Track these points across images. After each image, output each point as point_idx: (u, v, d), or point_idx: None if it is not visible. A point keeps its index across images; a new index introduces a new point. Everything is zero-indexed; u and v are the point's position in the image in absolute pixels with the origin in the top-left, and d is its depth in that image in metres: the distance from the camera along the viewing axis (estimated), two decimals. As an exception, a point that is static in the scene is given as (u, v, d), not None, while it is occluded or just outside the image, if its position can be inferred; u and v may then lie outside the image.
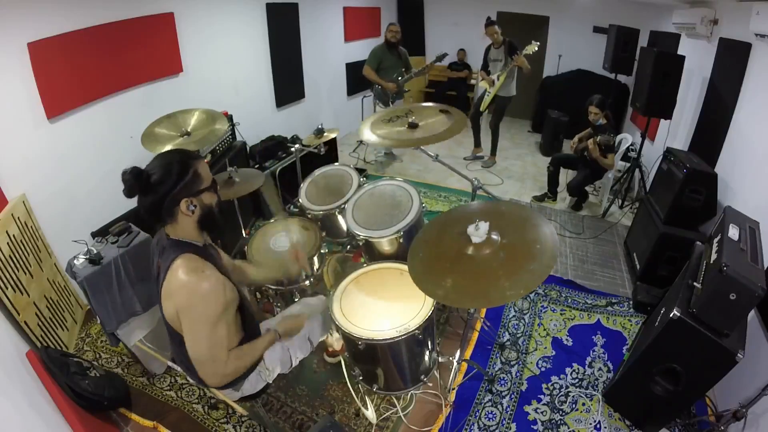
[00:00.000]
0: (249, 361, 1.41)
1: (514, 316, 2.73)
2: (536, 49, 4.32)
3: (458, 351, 2.19)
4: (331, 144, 4.28)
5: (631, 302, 2.82)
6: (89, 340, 2.55)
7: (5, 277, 2.00)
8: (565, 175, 4.20)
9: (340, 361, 2.25)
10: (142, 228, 2.26)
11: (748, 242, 1.79)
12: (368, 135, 2.04)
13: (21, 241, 2.19)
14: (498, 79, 4.57)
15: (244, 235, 3.00)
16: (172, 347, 1.47)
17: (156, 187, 1.18)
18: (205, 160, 3.08)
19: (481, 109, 4.86)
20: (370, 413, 2.01)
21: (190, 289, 1.18)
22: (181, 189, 1.19)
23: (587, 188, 4.08)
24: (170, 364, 1.74)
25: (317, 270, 2.27)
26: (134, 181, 1.15)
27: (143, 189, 1.18)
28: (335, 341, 2.22)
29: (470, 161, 5.26)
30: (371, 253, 2.19)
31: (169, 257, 1.22)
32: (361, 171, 2.55)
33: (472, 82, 7.13)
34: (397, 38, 4.52)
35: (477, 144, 5.24)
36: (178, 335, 1.31)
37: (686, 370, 1.74)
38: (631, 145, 4.18)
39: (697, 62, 3.41)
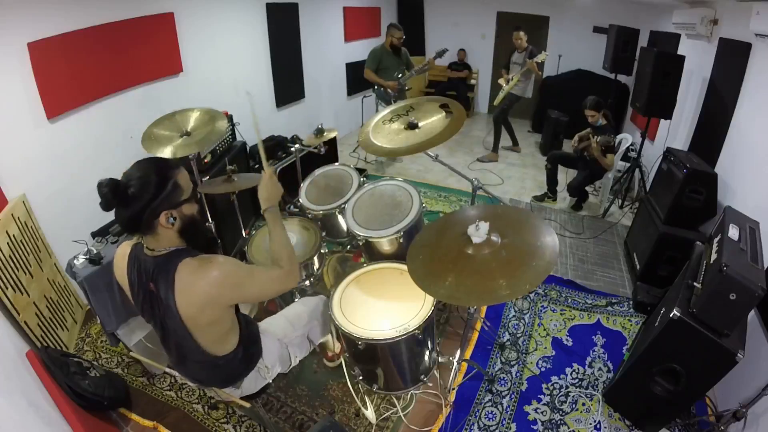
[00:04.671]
0: (289, 253, 1.39)
1: (514, 316, 2.73)
2: (546, 57, 4.73)
3: (458, 351, 2.19)
4: (331, 144, 4.28)
5: (631, 302, 2.82)
6: (89, 340, 2.55)
7: (5, 277, 2.00)
8: (565, 175, 4.20)
9: (340, 365, 2.25)
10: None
11: (748, 242, 1.79)
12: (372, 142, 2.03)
13: (21, 241, 2.19)
14: (512, 78, 4.85)
15: (244, 235, 3.00)
16: (172, 356, 1.45)
17: (134, 200, 1.11)
18: (205, 160, 3.09)
19: (495, 103, 5.15)
20: (370, 413, 2.01)
21: (221, 275, 1.19)
22: (160, 202, 1.14)
23: (587, 188, 4.08)
24: (167, 370, 1.74)
25: (317, 270, 2.27)
26: (111, 195, 1.09)
27: (120, 202, 1.12)
28: (335, 345, 2.22)
29: (509, 150, 5.64)
30: (371, 253, 2.19)
31: (168, 274, 1.17)
32: (361, 171, 2.55)
33: (472, 82, 7.14)
34: (401, 42, 4.55)
35: (515, 143, 5.65)
36: (188, 343, 1.30)
37: (686, 370, 1.74)
38: (631, 145, 4.18)
39: (697, 62, 3.41)
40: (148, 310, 1.29)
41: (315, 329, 1.83)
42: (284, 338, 1.70)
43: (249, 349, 1.50)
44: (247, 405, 1.54)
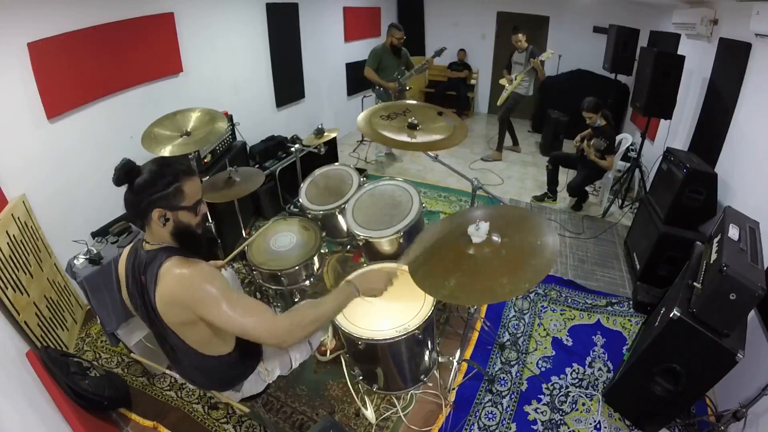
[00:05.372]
0: (313, 315, 1.25)
1: (514, 316, 2.73)
2: (550, 56, 4.66)
3: (458, 351, 2.19)
4: (331, 144, 4.28)
5: (631, 302, 2.82)
6: (89, 340, 2.55)
7: (5, 277, 2.00)
8: (566, 175, 4.20)
9: (332, 359, 2.25)
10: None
11: (748, 242, 1.79)
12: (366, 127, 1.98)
13: (21, 241, 2.19)
14: (515, 78, 4.86)
15: (244, 235, 3.00)
16: (169, 356, 1.45)
17: (138, 188, 1.19)
18: (205, 160, 3.09)
19: (498, 103, 5.17)
20: (370, 413, 2.01)
21: (190, 279, 1.18)
22: (157, 198, 1.19)
23: (587, 188, 4.08)
24: (167, 371, 1.74)
25: (317, 270, 2.27)
26: (123, 175, 1.18)
27: (129, 185, 1.20)
28: (328, 341, 2.22)
29: (510, 150, 5.63)
30: (371, 253, 2.19)
31: (154, 266, 1.20)
32: (361, 171, 2.55)
33: (472, 82, 7.14)
34: (402, 42, 4.55)
35: (515, 143, 5.65)
36: (176, 341, 1.30)
37: (686, 370, 1.74)
38: (631, 145, 4.18)
39: (697, 62, 3.41)
40: (140, 305, 1.29)
41: (316, 334, 1.83)
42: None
43: (247, 351, 1.48)
44: (246, 410, 1.53)
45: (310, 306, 1.30)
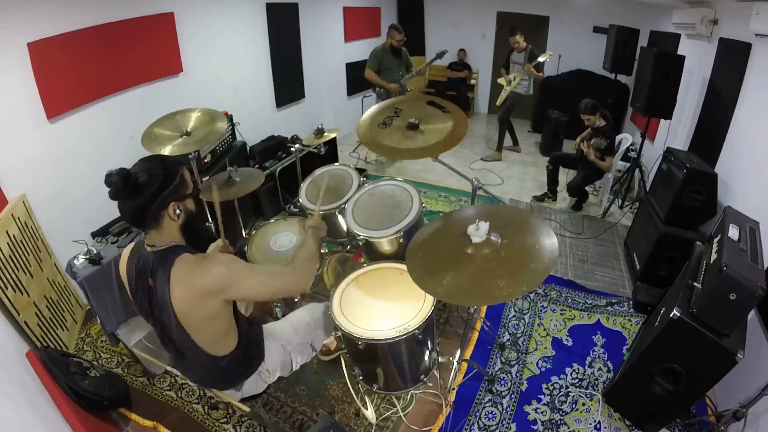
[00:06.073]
0: (309, 263, 1.46)
1: (514, 316, 2.73)
2: (549, 57, 4.66)
3: (458, 351, 2.19)
4: (331, 144, 4.28)
5: (631, 302, 2.82)
6: (89, 340, 2.55)
7: (5, 277, 2.00)
8: (566, 175, 4.20)
9: (335, 359, 2.25)
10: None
11: (748, 242, 1.79)
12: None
13: (21, 241, 2.19)
14: (514, 79, 4.88)
15: (244, 234, 3.00)
16: (172, 354, 1.45)
17: (144, 189, 1.14)
18: (205, 160, 3.10)
19: (497, 103, 5.18)
20: (370, 413, 2.01)
21: (208, 271, 1.19)
22: (170, 192, 1.18)
23: (587, 188, 4.08)
24: (168, 368, 1.74)
25: (317, 270, 2.27)
26: (122, 183, 1.11)
27: (130, 191, 1.14)
28: (331, 341, 2.22)
29: (510, 150, 5.62)
30: (371, 253, 2.19)
31: (166, 268, 1.19)
32: (361, 171, 2.55)
33: (472, 82, 7.14)
34: (402, 44, 4.55)
35: (515, 143, 5.64)
36: (183, 339, 1.29)
37: (686, 370, 1.74)
38: (631, 145, 4.18)
39: (697, 62, 3.41)
40: (146, 307, 1.29)
41: (319, 336, 1.83)
42: (287, 344, 1.68)
43: (250, 351, 1.49)
44: (247, 409, 1.54)
45: (308, 255, 1.48)
